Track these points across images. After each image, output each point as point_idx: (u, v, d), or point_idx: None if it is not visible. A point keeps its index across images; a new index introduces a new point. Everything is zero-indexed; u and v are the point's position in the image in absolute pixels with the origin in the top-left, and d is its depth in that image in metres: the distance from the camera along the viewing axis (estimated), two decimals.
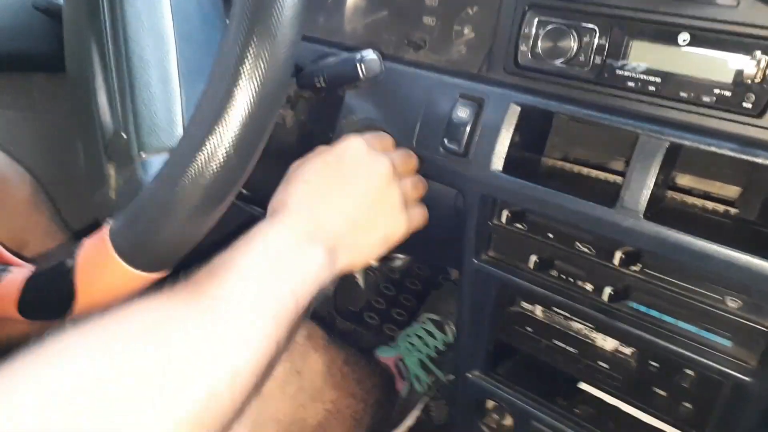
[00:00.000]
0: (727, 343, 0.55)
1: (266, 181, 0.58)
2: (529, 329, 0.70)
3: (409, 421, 1.12)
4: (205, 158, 0.40)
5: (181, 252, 0.44)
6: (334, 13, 0.81)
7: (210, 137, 0.40)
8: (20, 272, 0.47)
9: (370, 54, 0.57)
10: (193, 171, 0.40)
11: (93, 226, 0.55)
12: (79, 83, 0.57)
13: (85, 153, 0.58)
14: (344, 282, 1.38)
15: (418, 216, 0.65)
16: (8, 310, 0.47)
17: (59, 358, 0.36)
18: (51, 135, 1.00)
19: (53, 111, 1.01)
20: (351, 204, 0.58)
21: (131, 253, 0.42)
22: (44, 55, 0.97)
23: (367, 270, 1.41)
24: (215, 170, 0.41)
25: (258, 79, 0.40)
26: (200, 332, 0.41)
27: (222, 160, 0.41)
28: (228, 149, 0.40)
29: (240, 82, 0.40)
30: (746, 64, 0.51)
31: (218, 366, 0.40)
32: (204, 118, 0.41)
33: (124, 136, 0.49)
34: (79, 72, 0.58)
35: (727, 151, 0.52)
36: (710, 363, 0.56)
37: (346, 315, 1.36)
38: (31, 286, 0.46)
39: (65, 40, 0.63)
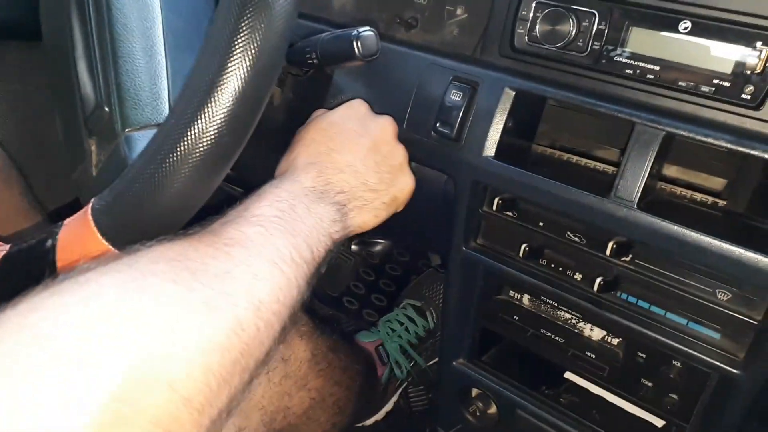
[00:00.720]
0: (716, 336, 0.55)
1: (251, 160, 0.57)
2: (516, 318, 0.70)
3: (388, 406, 1.11)
4: (195, 134, 0.38)
5: (168, 232, 0.42)
6: None
7: (201, 112, 0.38)
8: None
9: (367, 31, 0.55)
10: (182, 147, 0.38)
11: (70, 204, 0.53)
12: (58, 53, 0.54)
13: (64, 127, 0.55)
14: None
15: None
16: None
17: (84, 292, 0.35)
18: (23, 107, 0.96)
19: (26, 81, 0.97)
20: (359, 162, 0.58)
21: (115, 232, 0.40)
22: (17, 22, 0.92)
23: (347, 255, 1.40)
24: (206, 147, 0.39)
25: (252, 52, 0.38)
26: (221, 266, 0.40)
27: (213, 137, 0.39)
28: (220, 126, 0.38)
29: (233, 54, 0.38)
30: (747, 55, 0.51)
31: (241, 297, 0.40)
32: (195, 92, 0.38)
33: (107, 110, 0.47)
34: (57, 41, 0.55)
35: (723, 142, 0.52)
36: (698, 355, 0.56)
37: (326, 300, 1.35)
38: (7, 265, 0.44)
39: (42, 6, 0.60)
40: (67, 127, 0.53)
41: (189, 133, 0.38)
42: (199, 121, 0.38)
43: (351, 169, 0.58)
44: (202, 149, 0.38)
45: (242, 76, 0.38)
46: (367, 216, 0.59)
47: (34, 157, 0.92)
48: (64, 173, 0.58)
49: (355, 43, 0.54)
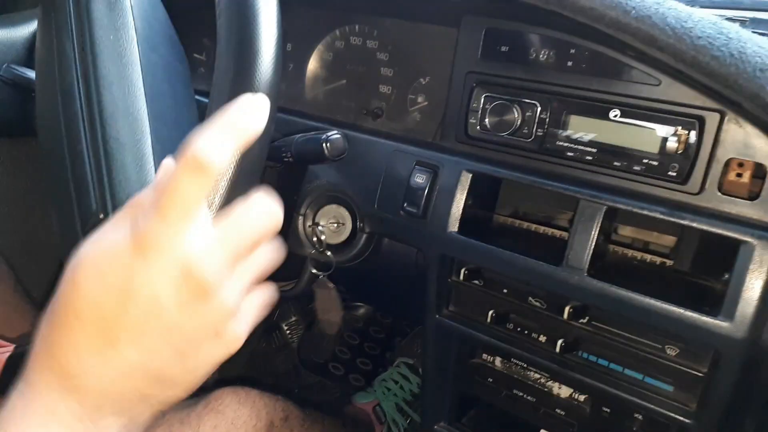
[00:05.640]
0: (669, 388, 0.60)
1: None
2: (491, 380, 0.74)
3: None
4: None
5: None
6: (295, 81, 0.86)
7: None
8: None
9: (335, 134, 0.61)
10: None
11: None
12: (56, 161, 0.59)
13: (62, 230, 0.59)
14: (308, 334, 1.40)
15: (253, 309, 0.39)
16: None
17: None
18: (10, 201, 1.00)
19: (15, 175, 1.01)
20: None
21: None
22: (9, 122, 0.98)
23: None
24: None
25: (235, 168, 0.44)
26: None
27: None
28: None
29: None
30: (669, 137, 0.58)
31: None
32: None
33: (102, 217, 0.52)
34: (54, 150, 0.60)
35: (657, 214, 0.58)
36: (655, 407, 0.60)
37: (311, 367, 1.37)
38: (12, 365, 0.47)
39: (38, 120, 0.65)
40: (65, 231, 0.58)
41: None
42: None
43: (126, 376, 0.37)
44: None
45: (228, 186, 0.44)
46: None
47: (23, 252, 0.95)
48: (58, 271, 0.62)
49: (324, 145, 0.60)
